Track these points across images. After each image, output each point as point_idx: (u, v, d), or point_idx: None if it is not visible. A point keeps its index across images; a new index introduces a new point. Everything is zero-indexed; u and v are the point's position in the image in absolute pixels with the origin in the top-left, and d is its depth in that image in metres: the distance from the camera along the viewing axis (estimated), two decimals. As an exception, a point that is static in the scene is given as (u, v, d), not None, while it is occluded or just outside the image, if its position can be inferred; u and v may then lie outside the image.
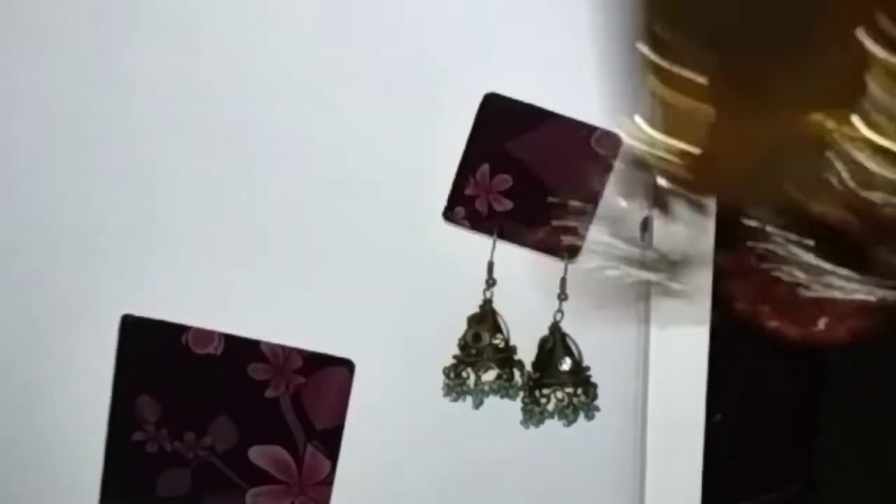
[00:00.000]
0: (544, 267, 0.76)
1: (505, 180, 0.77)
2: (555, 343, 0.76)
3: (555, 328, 0.77)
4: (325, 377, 0.80)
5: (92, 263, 0.80)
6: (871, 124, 0.40)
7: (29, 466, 0.83)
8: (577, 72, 0.74)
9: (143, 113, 0.76)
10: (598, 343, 0.77)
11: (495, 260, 0.77)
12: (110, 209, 0.78)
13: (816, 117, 0.40)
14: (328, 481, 0.82)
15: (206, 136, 0.77)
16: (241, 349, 0.80)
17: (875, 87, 0.40)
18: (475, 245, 0.77)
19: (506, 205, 0.77)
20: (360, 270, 0.79)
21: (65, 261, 0.79)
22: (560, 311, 0.77)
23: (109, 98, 0.76)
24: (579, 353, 0.76)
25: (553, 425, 0.77)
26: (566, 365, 0.76)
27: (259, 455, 0.82)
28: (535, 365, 0.77)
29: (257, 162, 0.77)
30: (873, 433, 1.79)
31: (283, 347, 0.80)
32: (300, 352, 0.80)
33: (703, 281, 0.71)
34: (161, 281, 0.80)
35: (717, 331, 0.76)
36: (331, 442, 0.81)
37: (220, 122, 0.76)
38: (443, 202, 0.77)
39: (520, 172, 0.77)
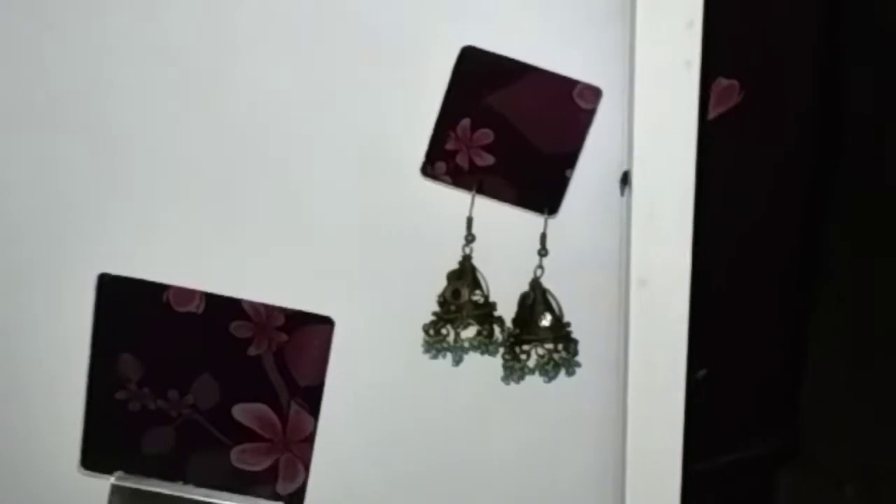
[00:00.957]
0: (524, 222, 0.76)
1: (486, 135, 0.76)
2: (535, 299, 0.76)
3: (535, 284, 0.76)
4: (308, 334, 0.80)
5: (66, 222, 0.79)
6: None
7: (6, 428, 0.83)
8: (557, 24, 0.72)
9: (113, 69, 0.75)
10: (578, 298, 0.76)
11: (474, 215, 0.76)
12: (82, 167, 0.78)
13: None
14: (312, 438, 0.82)
15: (180, 91, 0.76)
16: (223, 307, 0.80)
17: None
18: (454, 201, 0.76)
19: (487, 160, 0.76)
20: (338, 227, 0.78)
21: (38, 220, 0.79)
22: (540, 266, 0.76)
23: (77, 55, 0.75)
24: (560, 308, 0.76)
25: (534, 382, 0.77)
26: (546, 321, 0.75)
27: (243, 413, 0.82)
28: (515, 321, 0.77)
29: (232, 119, 0.76)
30: (859, 382, 1.81)
31: (265, 305, 0.79)
32: (282, 310, 0.79)
33: (682, 230, 0.71)
34: (136, 240, 0.79)
35: (700, 284, 0.75)
36: (314, 399, 0.81)
37: (194, 77, 0.75)
38: (421, 158, 0.76)
39: (501, 127, 0.76)
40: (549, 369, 0.76)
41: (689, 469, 0.78)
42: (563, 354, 0.75)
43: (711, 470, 1.07)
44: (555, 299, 0.76)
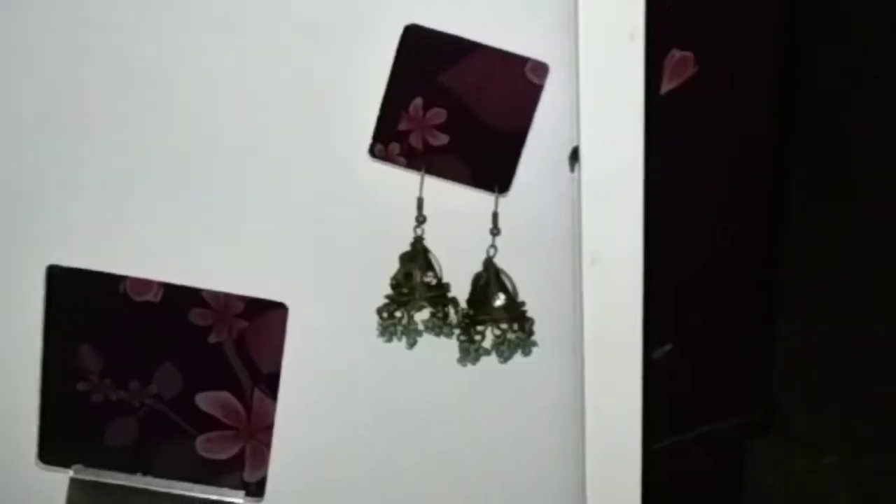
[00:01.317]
0: (476, 202, 0.75)
1: (439, 114, 0.75)
2: (488, 279, 0.75)
3: (488, 263, 0.75)
4: (268, 320, 0.79)
5: (15, 212, 0.78)
6: None
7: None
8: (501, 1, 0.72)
9: (65, 53, 0.74)
10: (533, 277, 0.76)
11: (425, 196, 0.75)
12: (36, 158, 0.77)
13: None
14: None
15: (129, 82, 0.75)
16: (181, 295, 0.79)
17: None
18: (404, 182, 0.75)
19: (441, 139, 0.75)
20: (286, 212, 0.77)
21: None
22: (493, 246, 0.75)
23: (30, 39, 0.74)
24: (514, 288, 0.75)
25: (490, 363, 0.76)
26: (500, 300, 0.75)
27: (206, 401, 0.82)
28: (469, 302, 0.76)
29: (181, 107, 0.75)
30: (831, 353, 1.82)
31: (223, 293, 0.79)
32: (241, 297, 0.79)
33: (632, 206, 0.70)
34: (90, 232, 0.78)
35: (664, 258, 0.75)
36: (277, 386, 0.80)
37: (143, 66, 0.74)
38: (368, 139, 0.75)
39: (454, 105, 0.75)
40: (505, 349, 0.75)
41: (650, 446, 0.77)
42: (519, 334, 0.75)
43: (684, 443, 1.07)
44: (509, 279, 0.75)
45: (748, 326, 1.10)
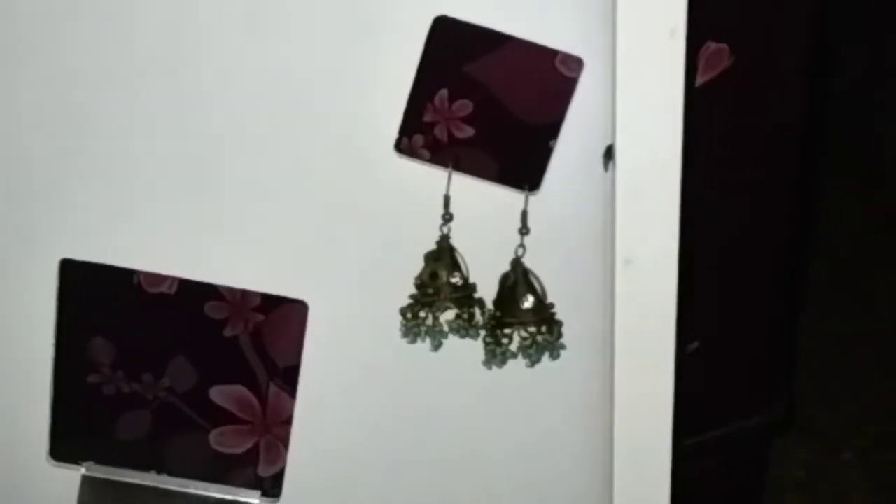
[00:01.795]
0: (504, 200, 0.73)
1: (465, 105, 0.73)
2: (516, 280, 0.73)
3: (516, 264, 0.74)
4: (285, 314, 0.78)
5: (30, 205, 0.77)
6: None
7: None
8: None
9: (76, 48, 0.73)
10: (562, 278, 0.74)
11: (452, 193, 0.73)
12: (51, 154, 0.76)
13: None
14: (292, 420, 0.80)
15: (145, 72, 0.73)
16: (197, 287, 0.78)
17: None
18: (431, 179, 0.73)
19: (467, 131, 0.74)
20: (313, 209, 0.76)
21: (2, 204, 0.77)
22: (522, 245, 0.74)
23: (39, 35, 0.73)
24: (542, 289, 0.74)
25: (517, 365, 0.75)
26: (529, 302, 0.73)
27: (220, 395, 0.81)
28: (496, 303, 0.74)
29: (201, 100, 0.74)
30: (849, 349, 1.83)
31: (240, 288, 0.77)
32: (257, 291, 0.77)
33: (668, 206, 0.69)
34: (105, 226, 0.77)
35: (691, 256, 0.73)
36: (294, 380, 0.79)
37: (162, 59, 0.73)
38: (394, 135, 0.73)
39: (481, 97, 0.73)
40: (533, 353, 0.74)
41: (680, 446, 0.76)
42: (547, 337, 0.73)
43: (707, 442, 1.06)
44: (537, 280, 0.74)
45: (773, 324, 1.09)
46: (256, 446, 0.81)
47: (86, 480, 0.81)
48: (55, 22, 0.73)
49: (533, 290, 0.73)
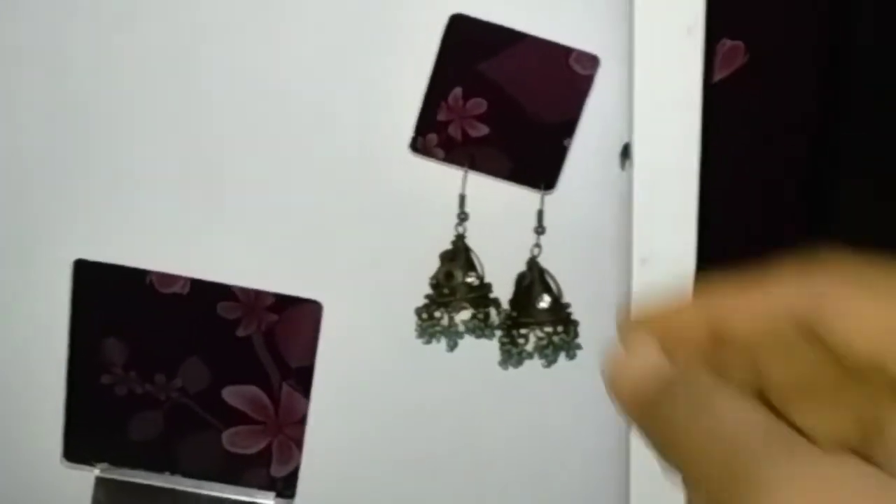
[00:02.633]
0: (520, 199, 0.73)
1: (479, 104, 0.73)
2: (532, 279, 0.73)
3: (532, 263, 0.73)
4: (298, 314, 0.77)
5: (45, 206, 0.77)
6: None
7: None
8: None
9: (94, 49, 0.73)
10: (578, 278, 0.74)
11: (467, 193, 0.73)
12: (65, 153, 0.75)
13: None
14: (306, 420, 0.80)
15: (160, 73, 0.73)
16: (210, 287, 0.77)
17: None
18: (446, 178, 0.73)
19: (481, 130, 0.73)
20: (327, 208, 0.75)
21: (15, 204, 0.77)
22: (538, 245, 0.73)
23: (59, 36, 0.73)
24: (559, 289, 0.73)
25: (532, 365, 0.74)
26: (545, 302, 0.72)
27: (233, 395, 0.80)
28: (512, 303, 0.74)
29: (215, 98, 0.73)
30: None
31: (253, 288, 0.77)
32: (270, 292, 0.77)
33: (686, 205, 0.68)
34: (117, 225, 0.77)
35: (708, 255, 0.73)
36: (307, 380, 0.79)
37: (176, 58, 0.73)
38: (409, 134, 0.73)
39: (495, 95, 0.73)
40: (549, 353, 0.73)
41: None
42: (564, 337, 0.73)
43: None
44: (553, 279, 0.73)
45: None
46: (269, 447, 0.81)
47: (100, 482, 0.81)
48: (70, 24, 0.73)
49: (549, 290, 0.73)
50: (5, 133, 0.75)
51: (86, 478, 0.81)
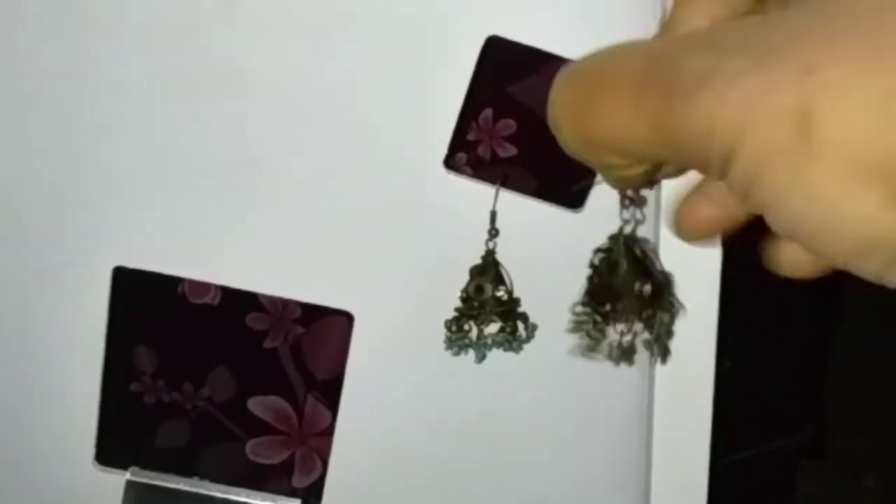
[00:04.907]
0: (549, 217, 0.74)
1: (509, 125, 0.74)
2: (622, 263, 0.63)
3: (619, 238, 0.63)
4: (325, 327, 0.78)
5: (83, 215, 0.78)
6: None
7: (21, 422, 0.82)
8: (583, 13, 0.71)
9: (133, 58, 0.74)
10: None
11: (498, 209, 0.74)
12: (99, 161, 0.77)
13: None
14: (329, 432, 0.81)
15: (198, 82, 0.74)
16: (239, 299, 0.79)
17: None
18: (477, 194, 0.74)
19: (509, 150, 0.75)
20: (359, 221, 0.77)
21: (52, 214, 0.78)
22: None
23: (98, 44, 0.74)
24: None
25: (557, 379, 0.75)
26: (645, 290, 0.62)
27: (258, 405, 0.81)
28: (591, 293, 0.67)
29: (252, 109, 0.75)
30: (884, 376, 1.81)
31: (282, 298, 0.78)
32: (298, 302, 0.78)
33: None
34: (153, 233, 0.78)
35: (725, 276, 0.74)
36: (331, 393, 0.80)
37: (214, 66, 0.74)
38: (443, 150, 0.74)
39: (524, 117, 0.74)
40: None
41: (714, 464, 0.76)
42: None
43: (734, 464, 1.06)
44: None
45: (805, 347, 1.09)
46: (291, 458, 0.82)
47: (130, 485, 0.82)
48: (102, 34, 0.74)
49: (650, 276, 0.63)
50: (45, 143, 0.77)
51: (117, 481, 0.82)
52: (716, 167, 0.30)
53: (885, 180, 0.27)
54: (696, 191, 0.39)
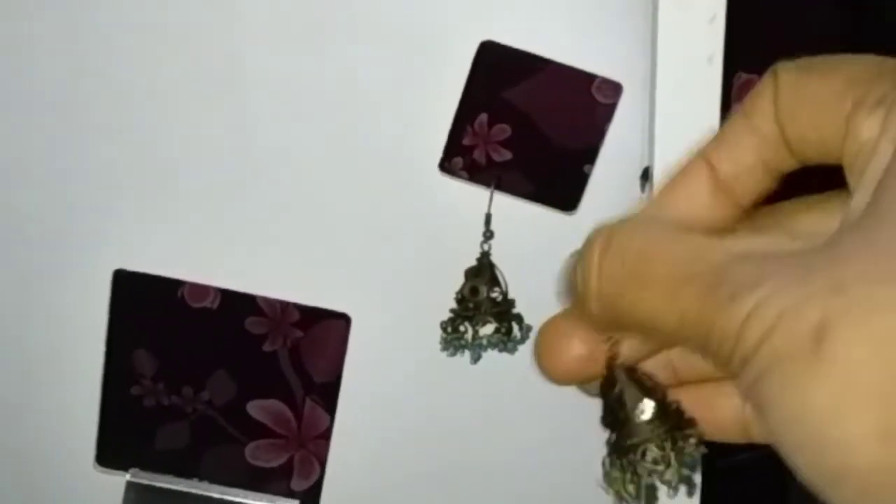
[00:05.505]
0: (544, 219, 0.75)
1: (503, 130, 0.75)
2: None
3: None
4: (323, 330, 0.79)
5: (84, 218, 0.78)
6: None
7: (22, 423, 0.83)
8: (576, 18, 0.72)
9: (134, 61, 0.75)
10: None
11: (493, 212, 0.75)
12: (97, 164, 0.77)
13: None
14: (327, 435, 0.81)
15: (197, 85, 0.75)
16: (238, 303, 0.79)
17: None
18: (473, 197, 0.75)
19: (504, 155, 0.75)
20: (355, 223, 0.77)
21: (52, 217, 0.78)
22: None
23: (99, 46, 0.75)
24: None
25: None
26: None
27: (257, 409, 0.82)
28: None
29: (248, 114, 0.75)
30: None
31: (280, 301, 0.79)
32: (297, 305, 0.79)
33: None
34: (153, 236, 0.78)
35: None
36: (329, 395, 0.80)
37: (212, 70, 0.75)
38: (438, 153, 0.75)
39: (519, 121, 0.75)
40: None
41: (711, 466, 0.76)
42: None
43: (731, 467, 1.06)
44: None
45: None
46: (290, 461, 0.82)
47: (130, 486, 0.82)
48: (109, 39, 0.74)
49: None
50: (46, 146, 0.77)
51: (117, 482, 0.82)
52: (734, 366, 0.31)
53: (878, 410, 0.28)
54: (563, 326, 0.38)
